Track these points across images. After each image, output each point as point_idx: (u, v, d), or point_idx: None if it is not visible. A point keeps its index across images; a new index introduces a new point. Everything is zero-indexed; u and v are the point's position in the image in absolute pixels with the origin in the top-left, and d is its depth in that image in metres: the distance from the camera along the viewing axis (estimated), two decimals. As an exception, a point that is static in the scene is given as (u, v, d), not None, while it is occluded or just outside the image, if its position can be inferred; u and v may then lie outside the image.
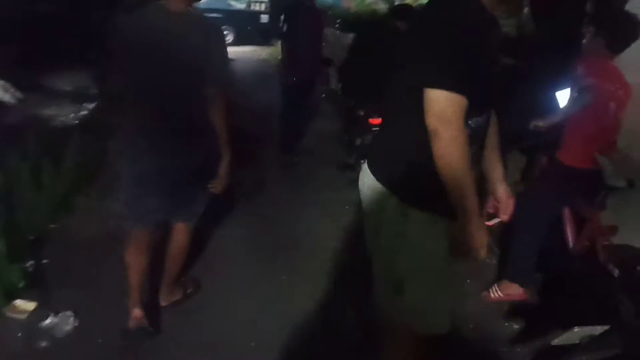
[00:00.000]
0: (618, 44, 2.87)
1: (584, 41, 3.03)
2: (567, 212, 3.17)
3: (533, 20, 3.70)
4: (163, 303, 2.93)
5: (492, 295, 3.19)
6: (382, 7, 12.39)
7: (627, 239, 2.81)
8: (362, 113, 4.77)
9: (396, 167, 1.77)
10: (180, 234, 2.77)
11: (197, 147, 2.46)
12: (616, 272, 2.82)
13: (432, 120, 1.54)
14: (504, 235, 3.35)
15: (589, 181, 2.97)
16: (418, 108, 1.58)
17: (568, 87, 3.08)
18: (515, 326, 2.97)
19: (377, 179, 1.83)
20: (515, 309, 3.08)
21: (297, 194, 4.59)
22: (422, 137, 1.58)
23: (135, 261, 2.63)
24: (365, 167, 1.95)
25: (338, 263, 3.49)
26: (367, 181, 1.90)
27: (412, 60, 1.68)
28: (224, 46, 2.49)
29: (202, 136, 2.46)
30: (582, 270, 3.03)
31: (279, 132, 5.47)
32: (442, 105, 1.52)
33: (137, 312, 2.66)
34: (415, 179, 1.70)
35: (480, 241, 1.66)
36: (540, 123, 3.00)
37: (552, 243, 3.11)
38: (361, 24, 9.07)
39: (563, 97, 3.15)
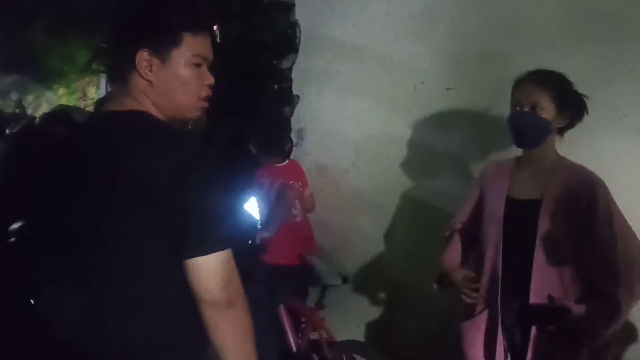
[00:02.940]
0: (268, 151, 3.15)
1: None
2: (282, 311, 3.06)
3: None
4: None
5: None
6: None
7: (350, 334, 2.82)
8: None
9: None
10: None
11: None
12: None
13: (218, 289, 1.14)
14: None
15: (296, 278, 3.02)
16: (168, 285, 1.17)
17: (251, 196, 3.17)
18: None
19: None
20: None
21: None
22: (182, 320, 1.19)
23: None
24: None
25: None
26: None
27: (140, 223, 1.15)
28: None
29: None
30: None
31: None
32: (227, 268, 1.15)
33: None
34: None
35: None
36: (266, 234, 2.91)
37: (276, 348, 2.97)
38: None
39: (252, 206, 3.17)
